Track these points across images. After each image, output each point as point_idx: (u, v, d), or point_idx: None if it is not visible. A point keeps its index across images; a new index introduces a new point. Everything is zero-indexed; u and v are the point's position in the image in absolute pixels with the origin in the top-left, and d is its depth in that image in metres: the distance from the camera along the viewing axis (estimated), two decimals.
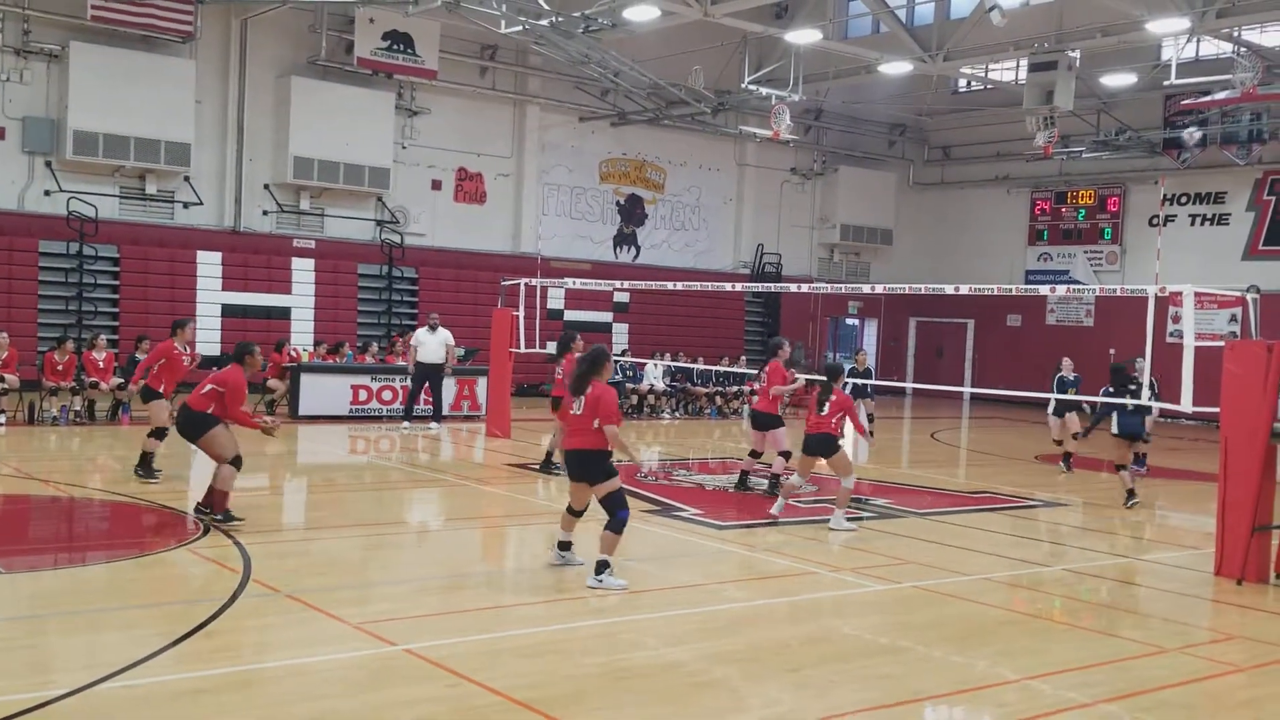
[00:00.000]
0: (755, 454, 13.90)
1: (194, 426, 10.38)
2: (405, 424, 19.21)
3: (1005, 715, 6.28)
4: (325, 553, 9.95)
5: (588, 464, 8.83)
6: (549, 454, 14.62)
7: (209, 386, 10.41)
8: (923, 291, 15.11)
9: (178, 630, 6.99)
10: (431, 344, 19.32)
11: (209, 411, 10.34)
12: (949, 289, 14.25)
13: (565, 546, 9.27)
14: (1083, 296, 30.25)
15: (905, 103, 31.30)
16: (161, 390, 12.87)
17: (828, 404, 11.52)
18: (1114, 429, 13.84)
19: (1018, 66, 27.08)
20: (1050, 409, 17.24)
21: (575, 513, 9.18)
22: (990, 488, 15.29)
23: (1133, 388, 13.45)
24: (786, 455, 13.19)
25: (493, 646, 7.06)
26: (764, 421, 13.53)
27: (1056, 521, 13.09)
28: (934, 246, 33.55)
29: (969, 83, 30.66)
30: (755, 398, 14.92)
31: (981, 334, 32.85)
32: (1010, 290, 14.65)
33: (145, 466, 12.49)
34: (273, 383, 20.25)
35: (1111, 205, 30.66)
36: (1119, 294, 13.78)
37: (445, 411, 20.52)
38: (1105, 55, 24.72)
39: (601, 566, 8.61)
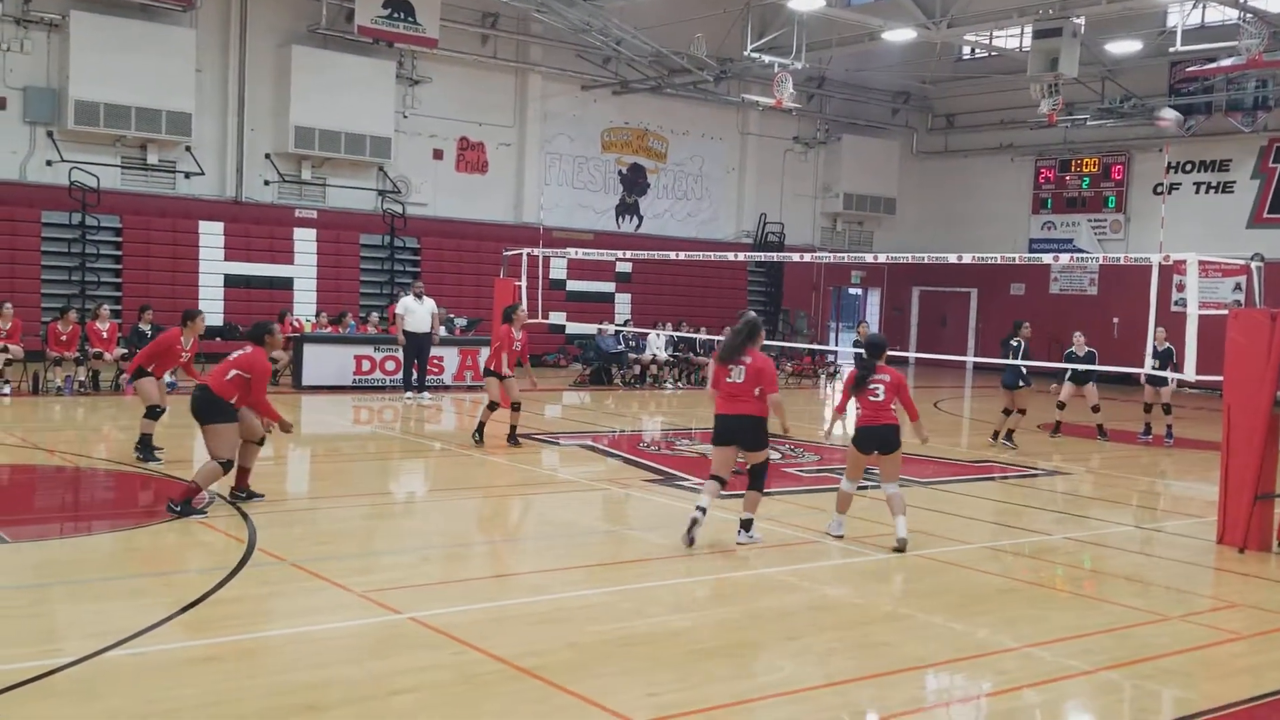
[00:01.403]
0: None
1: (209, 411, 9.61)
2: (407, 394, 19.23)
3: (1005, 682, 6.32)
4: (330, 522, 9.99)
5: (749, 431, 9.11)
6: (481, 425, 14.33)
7: (233, 372, 9.61)
8: (926, 260, 15.11)
9: (184, 599, 7.03)
10: (420, 313, 19.24)
11: (232, 401, 9.59)
12: (952, 258, 14.23)
13: (703, 510, 9.07)
14: (1087, 265, 30.20)
15: (909, 70, 31.14)
16: (152, 370, 12.33)
17: (882, 387, 9.37)
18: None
19: (1022, 33, 26.95)
20: (1067, 376, 17.26)
21: (721, 480, 9.24)
22: (992, 457, 15.32)
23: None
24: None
25: (496, 615, 7.10)
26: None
27: (1059, 490, 13.12)
28: (937, 215, 33.47)
29: (973, 50, 30.50)
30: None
31: (985, 303, 32.81)
32: (1014, 259, 14.63)
33: (145, 448, 12.08)
34: (276, 353, 20.24)
35: (1116, 173, 30.56)
36: (1123, 262, 13.76)
37: (448, 382, 20.57)
38: (1110, 22, 24.57)
39: (749, 524, 9.29)
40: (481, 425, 14.24)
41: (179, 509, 9.38)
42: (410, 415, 17.66)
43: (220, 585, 7.40)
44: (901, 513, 9.31)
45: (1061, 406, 17.60)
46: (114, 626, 6.38)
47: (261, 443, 10.19)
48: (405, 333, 19.23)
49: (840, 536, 9.50)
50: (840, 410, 9.91)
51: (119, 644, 6.11)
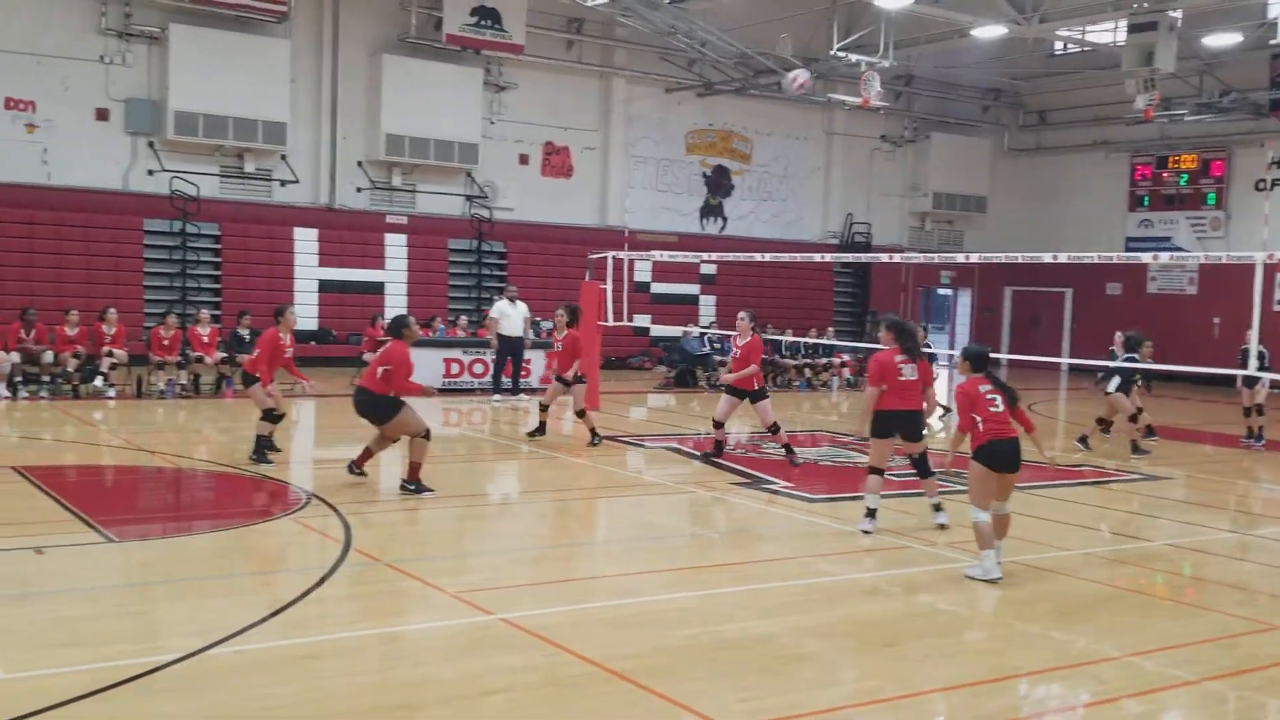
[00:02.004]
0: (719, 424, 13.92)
1: (378, 410, 10.93)
2: (496, 397, 19.44)
3: (1105, 692, 6.19)
4: (422, 523, 10.13)
5: (915, 424, 10.11)
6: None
7: (380, 369, 10.85)
8: (1019, 260, 14.84)
9: (283, 598, 7.18)
10: (514, 316, 19.57)
11: (390, 394, 10.85)
12: (1046, 257, 13.97)
13: (874, 514, 9.86)
14: (1185, 264, 29.46)
15: (1000, 66, 30.63)
16: (259, 376, 12.67)
17: (1001, 399, 8.57)
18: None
19: (1116, 27, 26.32)
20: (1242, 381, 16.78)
21: (882, 472, 9.95)
22: (1090, 460, 15.01)
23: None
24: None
25: (585, 617, 7.14)
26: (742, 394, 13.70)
27: (1158, 495, 12.82)
28: (1030, 214, 32.88)
29: (1066, 45, 29.90)
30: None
31: (1080, 303, 32.16)
32: (1110, 258, 14.35)
33: (259, 450, 12.40)
34: (368, 356, 20.54)
35: (1216, 169, 29.75)
36: (1224, 261, 13.42)
37: (534, 385, 20.73)
38: (1208, 14, 23.93)
39: (938, 505, 10.12)
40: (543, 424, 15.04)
41: (413, 488, 10.74)
42: (498, 418, 17.82)
43: (317, 585, 7.54)
44: (1004, 536, 8.61)
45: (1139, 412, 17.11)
46: (215, 625, 6.54)
47: (428, 436, 10.99)
48: (499, 336, 19.50)
49: (997, 579, 8.22)
50: (964, 430, 8.67)
51: (220, 642, 6.26)
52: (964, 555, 9.15)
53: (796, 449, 13.65)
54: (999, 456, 8.44)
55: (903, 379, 9.85)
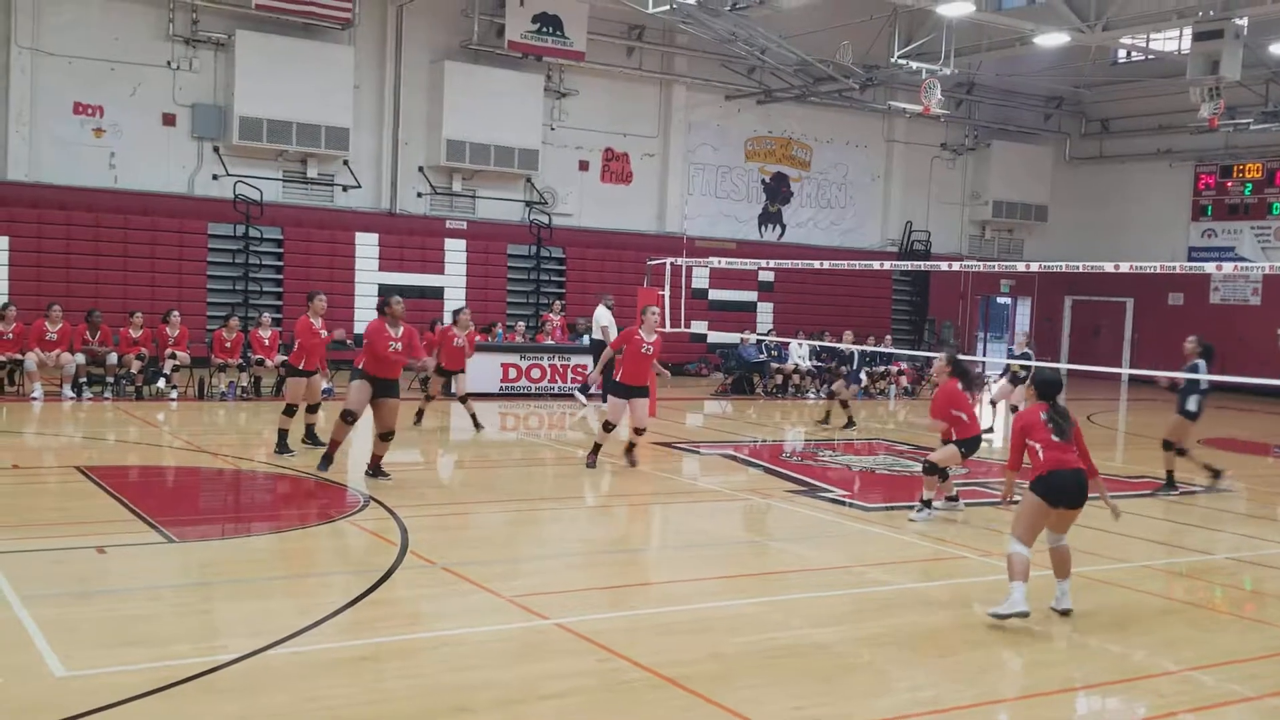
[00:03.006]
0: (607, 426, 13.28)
1: (352, 374, 11.68)
2: (583, 399, 19.87)
3: (1163, 707, 6.11)
4: (478, 527, 10.21)
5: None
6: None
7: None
8: (1080, 269, 14.68)
9: (340, 600, 7.27)
10: (606, 320, 19.77)
11: (360, 366, 11.48)
12: (1108, 266, 13.82)
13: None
14: (1250, 274, 28.95)
15: (1062, 75, 30.29)
16: (303, 367, 13.33)
17: (1069, 429, 7.71)
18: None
19: (1181, 35, 25.92)
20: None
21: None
22: (1150, 472, 14.79)
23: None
24: (608, 426, 13.17)
25: (640, 623, 7.16)
26: (612, 389, 13.35)
27: (1219, 507, 12.60)
28: (1091, 223, 32.47)
29: (1129, 53, 29.53)
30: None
31: (1141, 313, 31.71)
32: (1174, 268, 14.13)
33: (281, 444, 13.04)
34: (425, 361, 20.75)
35: None
36: None
37: (591, 390, 20.81)
38: (1275, 22, 23.50)
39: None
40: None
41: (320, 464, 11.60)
42: (554, 422, 17.89)
43: (374, 587, 7.63)
44: (1067, 575, 7.74)
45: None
46: (274, 625, 6.64)
47: (386, 438, 11.49)
48: (596, 342, 19.99)
49: (1026, 613, 7.35)
50: (1013, 467, 8.08)
51: (279, 643, 6.35)
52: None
53: (855, 456, 13.53)
54: (1059, 490, 7.50)
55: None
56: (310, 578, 8.19)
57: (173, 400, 17.69)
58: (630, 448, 13.23)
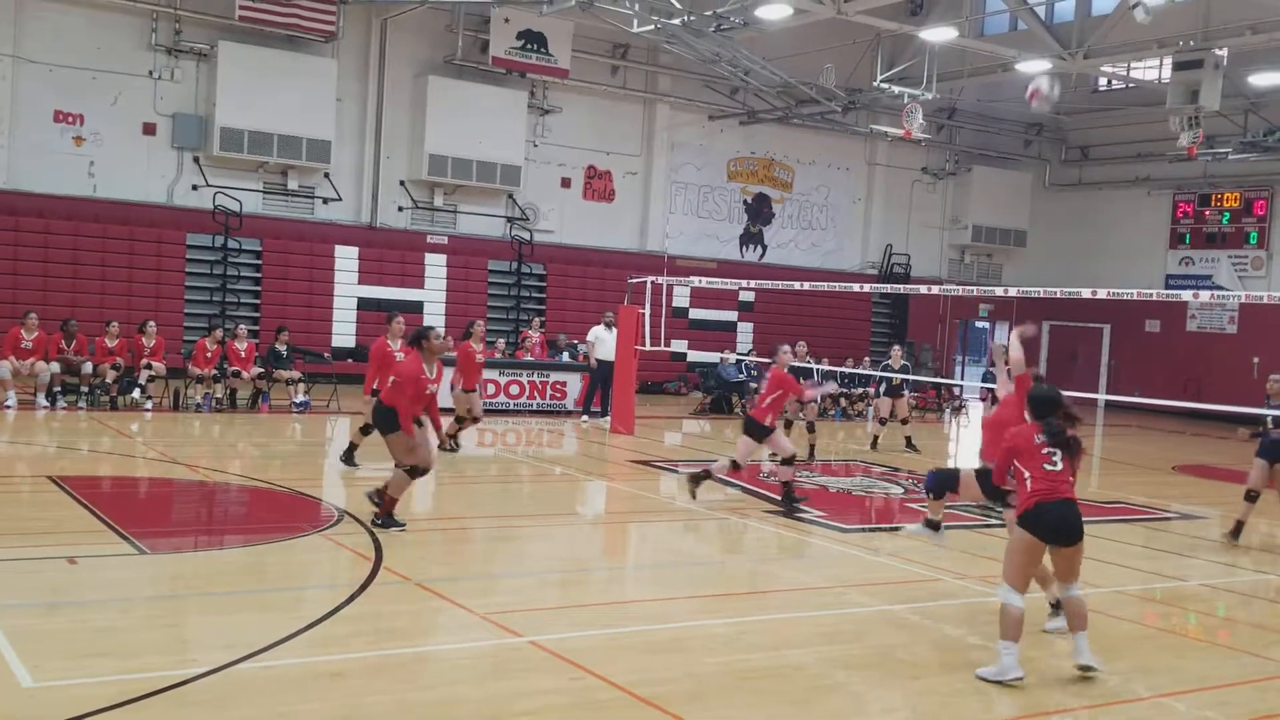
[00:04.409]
0: (736, 465, 12.59)
1: (381, 421, 10.13)
2: (584, 418, 20.02)
3: None
4: (453, 543, 10.16)
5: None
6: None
7: (391, 377, 10.21)
8: (1058, 295, 14.76)
9: (312, 614, 7.21)
10: (610, 341, 19.87)
11: (395, 408, 9.93)
12: (1086, 293, 13.90)
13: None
14: (1226, 303, 29.16)
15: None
16: (378, 390, 13.04)
17: (1061, 457, 7.01)
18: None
19: (1161, 65, 26.15)
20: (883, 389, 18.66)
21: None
22: (1124, 498, 14.86)
23: None
24: (790, 461, 12.63)
25: (615, 641, 7.13)
26: (757, 431, 12.46)
27: (1193, 534, 12.66)
28: (1070, 249, 32.65)
29: (1110, 81, 29.77)
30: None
31: (1118, 339, 31.89)
32: (1150, 295, 14.21)
33: (349, 454, 13.18)
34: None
35: (1258, 208, 29.47)
36: (1265, 301, 13.27)
37: (571, 407, 20.83)
38: (1254, 53, 23.75)
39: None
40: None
41: (380, 523, 9.80)
42: (533, 439, 17.85)
43: (347, 602, 7.57)
44: (1084, 627, 6.94)
45: (883, 422, 18.56)
46: (245, 639, 6.58)
47: (413, 473, 10.02)
48: (597, 360, 20.19)
49: (1020, 678, 6.70)
50: (998, 483, 7.55)
51: (250, 656, 6.30)
52: (994, 589, 9.06)
53: (832, 478, 13.54)
54: (1050, 524, 6.81)
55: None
56: (282, 592, 8.13)
57: (147, 411, 17.57)
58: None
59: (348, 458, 13.17)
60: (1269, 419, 11.61)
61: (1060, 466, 6.94)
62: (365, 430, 12.87)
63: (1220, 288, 28.93)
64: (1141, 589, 9.67)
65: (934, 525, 8.99)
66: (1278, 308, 12.61)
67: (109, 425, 15.92)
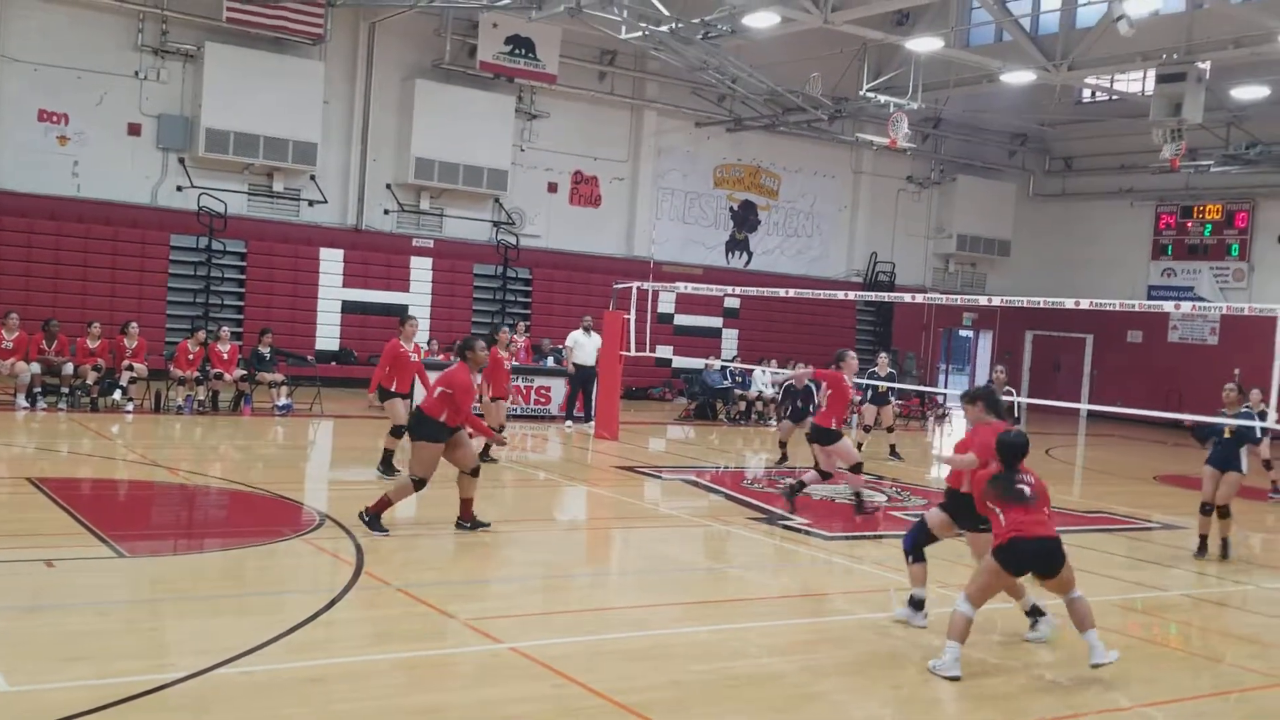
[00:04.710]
0: (824, 474, 12.76)
1: (416, 427, 10.08)
2: (568, 423, 19.97)
3: None
4: (435, 548, 10.12)
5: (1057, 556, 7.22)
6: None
7: (439, 389, 10.01)
8: (1041, 305, 14.81)
9: (292, 619, 7.17)
10: (589, 346, 19.95)
11: (441, 419, 9.89)
12: (1068, 303, 13.94)
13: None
14: (1208, 314, 29.30)
15: (1027, 112, 30.65)
16: (395, 389, 13.00)
17: (1028, 487, 7.17)
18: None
19: (1145, 77, 26.28)
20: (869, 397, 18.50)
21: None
22: (1106, 507, 14.91)
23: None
24: (858, 468, 12.75)
25: (597, 648, 7.11)
26: (825, 437, 12.66)
27: (1174, 545, 12.69)
28: (1053, 259, 32.80)
29: (1093, 93, 29.93)
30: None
31: (1100, 349, 32.03)
32: (1132, 306, 14.26)
33: (386, 464, 12.76)
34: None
35: (1240, 221, 29.66)
36: (1246, 313, 13.35)
37: (555, 412, 20.81)
38: (1236, 67, 23.89)
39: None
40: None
41: (367, 520, 9.81)
42: (516, 444, 17.82)
43: (328, 607, 7.54)
44: (1091, 625, 7.15)
45: (868, 430, 18.49)
46: (224, 644, 6.54)
47: (476, 473, 10.26)
48: (575, 365, 20.29)
49: (957, 678, 6.90)
50: (953, 483, 7.92)
51: (228, 661, 6.26)
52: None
53: (816, 486, 13.50)
54: (1025, 560, 7.00)
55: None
56: (262, 596, 8.09)
57: (128, 413, 17.47)
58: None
59: (386, 468, 12.70)
60: (1225, 428, 11.65)
61: (1034, 500, 7.07)
62: (396, 433, 12.75)
63: (1202, 299, 29.07)
64: (1123, 599, 9.70)
65: (918, 604, 8.08)
66: (1258, 320, 12.65)
67: (89, 427, 15.83)
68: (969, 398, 8.20)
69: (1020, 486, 7.10)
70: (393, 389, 13.03)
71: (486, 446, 14.21)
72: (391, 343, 13.32)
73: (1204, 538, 11.64)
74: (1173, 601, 9.79)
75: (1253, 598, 10.35)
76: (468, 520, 10.31)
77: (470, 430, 10.40)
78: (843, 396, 12.85)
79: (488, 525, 10.32)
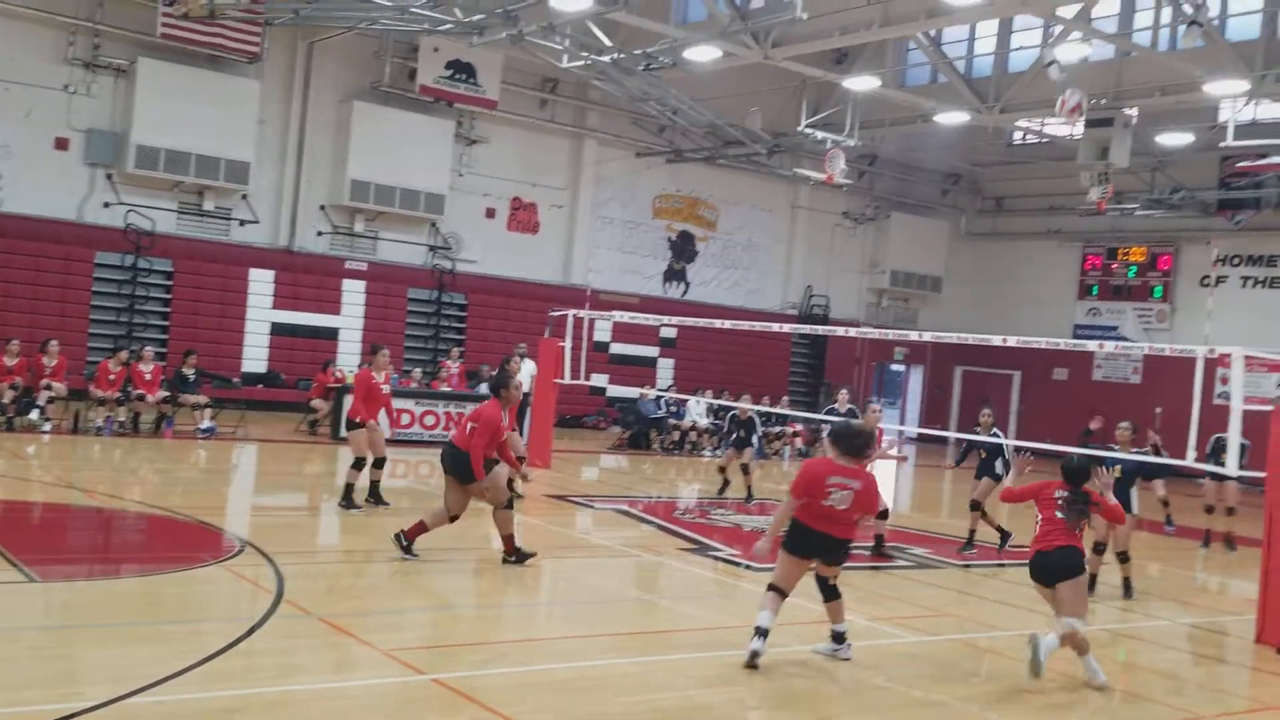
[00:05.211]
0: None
1: (461, 469, 10.11)
2: None
3: None
4: (358, 577, 9.96)
5: (839, 551, 8.02)
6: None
7: (469, 424, 10.17)
8: (970, 341, 14.98)
9: (209, 647, 6.99)
10: (522, 374, 19.58)
11: (470, 452, 10.05)
12: (997, 340, 14.11)
13: (764, 634, 7.67)
14: (1131, 354, 29.87)
15: (960, 152, 31.21)
16: (359, 419, 12.72)
17: (1072, 510, 8.24)
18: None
19: (1074, 121, 26.91)
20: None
21: (784, 593, 7.91)
22: (1027, 542, 15.01)
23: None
24: (884, 514, 12.60)
25: (522, 680, 7.01)
26: None
27: (1099, 580, 12.83)
28: (983, 296, 33.30)
29: (1024, 135, 30.53)
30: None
31: (1028, 386, 32.51)
32: (1058, 344, 14.47)
33: (347, 497, 12.50)
34: (316, 403, 20.42)
35: (1163, 263, 30.35)
36: (1168, 353, 13.59)
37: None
38: (1163, 114, 24.53)
39: (840, 636, 8.05)
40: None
41: (514, 559, 10.12)
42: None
43: (245, 636, 7.36)
44: (1085, 652, 7.94)
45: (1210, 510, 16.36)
46: (137, 672, 6.35)
47: (510, 506, 10.44)
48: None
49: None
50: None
51: (140, 690, 6.07)
52: (901, 631, 9.10)
53: (747, 516, 13.53)
54: (1045, 567, 8.15)
55: (827, 504, 7.80)
56: (179, 624, 7.87)
57: (45, 433, 17.04)
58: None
59: (347, 501, 12.46)
60: (1119, 466, 11.76)
61: (842, 506, 7.83)
62: (358, 465, 12.55)
63: (1125, 339, 29.64)
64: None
65: (839, 637, 8.11)
66: (1179, 360, 12.89)
67: (4, 447, 15.41)
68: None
69: (830, 489, 7.72)
70: (358, 419, 12.78)
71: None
72: (364, 373, 13.15)
73: (1094, 576, 11.57)
74: (1093, 636, 9.85)
75: (1168, 633, 10.48)
76: (511, 554, 10.35)
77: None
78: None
79: (534, 554, 10.41)
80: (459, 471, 10.09)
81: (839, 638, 8.03)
